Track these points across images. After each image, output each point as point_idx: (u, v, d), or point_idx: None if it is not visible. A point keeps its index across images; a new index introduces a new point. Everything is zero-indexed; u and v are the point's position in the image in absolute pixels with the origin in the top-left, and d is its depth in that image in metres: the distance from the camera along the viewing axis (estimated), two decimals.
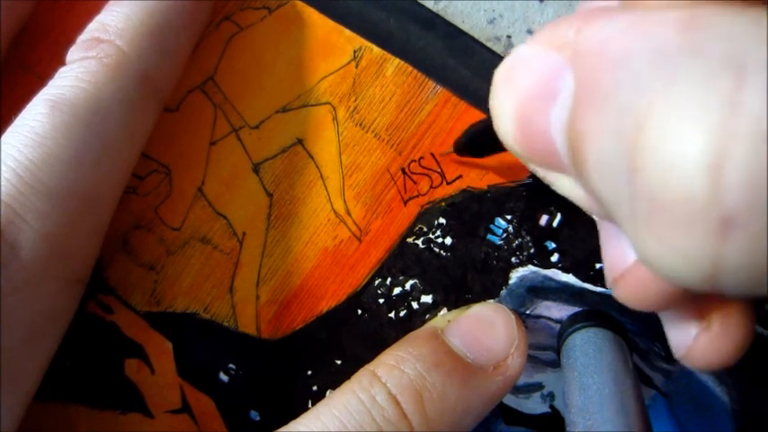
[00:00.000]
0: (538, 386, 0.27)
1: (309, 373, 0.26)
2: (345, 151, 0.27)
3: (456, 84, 0.27)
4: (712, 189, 0.10)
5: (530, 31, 0.27)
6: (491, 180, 0.26)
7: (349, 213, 0.27)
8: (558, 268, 0.26)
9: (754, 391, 0.25)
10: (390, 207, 0.27)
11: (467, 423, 0.23)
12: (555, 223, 0.26)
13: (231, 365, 0.27)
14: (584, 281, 0.25)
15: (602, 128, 0.13)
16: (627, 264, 0.18)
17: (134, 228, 0.27)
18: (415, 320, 0.26)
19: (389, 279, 0.26)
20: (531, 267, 0.26)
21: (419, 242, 0.26)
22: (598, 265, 0.25)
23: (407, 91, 0.27)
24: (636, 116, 0.12)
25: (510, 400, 0.27)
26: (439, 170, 0.27)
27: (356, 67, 0.27)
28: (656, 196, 0.11)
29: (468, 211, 0.26)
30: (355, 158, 0.27)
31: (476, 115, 0.26)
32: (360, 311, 0.26)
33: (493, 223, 0.26)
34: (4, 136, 0.23)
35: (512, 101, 0.16)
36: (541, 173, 0.17)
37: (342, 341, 0.26)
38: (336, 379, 0.26)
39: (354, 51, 0.27)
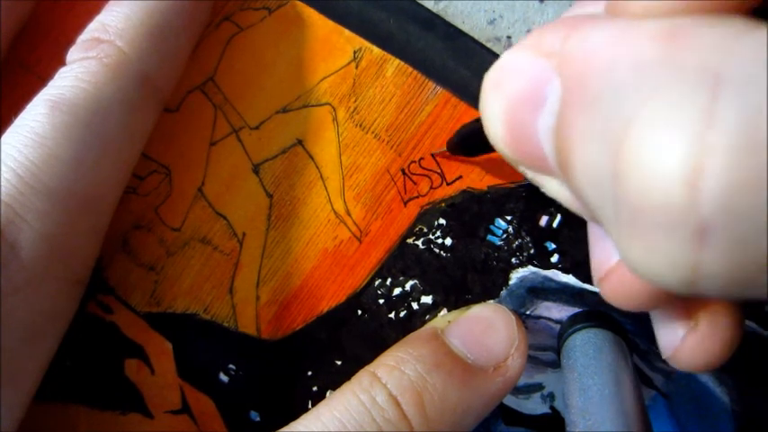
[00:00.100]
0: (538, 387, 0.27)
1: (309, 373, 0.26)
2: (345, 152, 0.27)
3: (456, 84, 0.27)
4: (689, 199, 0.11)
5: (530, 32, 0.27)
6: (491, 181, 0.26)
7: (349, 214, 0.27)
8: (558, 269, 0.26)
9: (754, 391, 0.25)
10: (390, 208, 0.27)
11: (467, 424, 0.23)
12: (555, 224, 0.26)
13: (231, 366, 0.27)
14: (584, 281, 0.25)
15: (587, 135, 0.13)
16: (612, 263, 0.18)
17: (134, 228, 0.27)
18: (415, 321, 0.26)
19: (389, 280, 0.26)
20: (531, 268, 0.26)
21: (419, 243, 0.26)
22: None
23: (407, 92, 0.27)
24: (618, 126, 0.12)
25: (510, 401, 0.27)
26: (439, 171, 0.27)
27: (356, 67, 0.27)
28: (637, 204, 0.12)
29: (468, 212, 0.26)
30: (355, 159, 0.27)
31: (475, 116, 0.26)
32: (360, 312, 0.26)
33: (493, 224, 0.26)
34: (4, 136, 0.23)
35: (501, 105, 0.16)
36: (530, 175, 0.17)
37: (342, 342, 0.26)
38: (336, 379, 0.26)
39: (354, 52, 0.27)
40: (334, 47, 0.27)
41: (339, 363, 0.26)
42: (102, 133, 0.23)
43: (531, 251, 0.26)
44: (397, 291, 0.26)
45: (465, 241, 0.26)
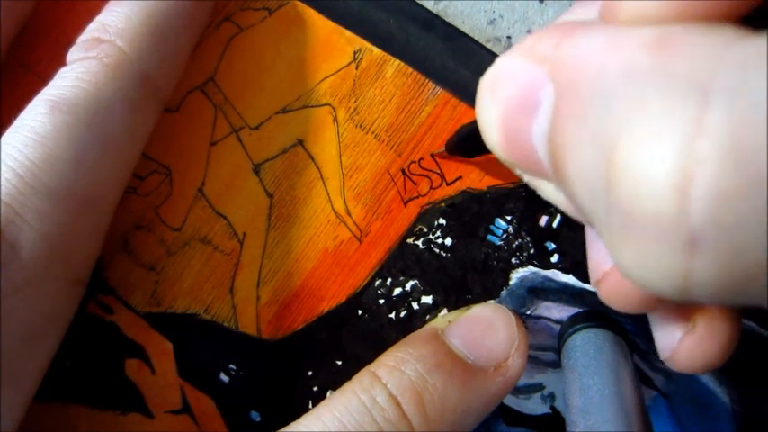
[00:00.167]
0: (538, 387, 0.27)
1: (310, 373, 0.26)
2: (345, 152, 0.27)
3: (456, 85, 0.27)
4: (679, 208, 0.11)
5: (530, 32, 0.27)
6: (491, 181, 0.26)
7: (349, 214, 0.27)
8: (558, 269, 0.26)
9: (754, 391, 0.25)
10: (390, 208, 0.27)
11: (467, 424, 0.23)
12: (555, 224, 0.26)
13: (232, 366, 0.27)
14: (584, 281, 0.25)
15: (579, 142, 0.13)
16: (608, 266, 0.18)
17: (134, 228, 0.27)
18: (415, 321, 0.26)
19: (390, 280, 0.26)
20: (531, 268, 0.26)
21: (419, 243, 0.26)
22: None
23: (407, 92, 0.27)
24: (609, 134, 0.12)
25: (510, 401, 0.27)
26: (439, 171, 0.27)
27: (356, 68, 0.27)
28: (628, 212, 0.12)
29: (468, 212, 0.26)
30: (355, 159, 0.27)
31: (474, 117, 0.26)
32: (360, 312, 0.26)
33: (493, 224, 0.26)
34: (5, 136, 0.23)
35: (496, 110, 0.16)
36: (526, 178, 0.17)
37: (342, 342, 0.26)
38: (337, 379, 0.26)
39: (354, 53, 0.27)
40: (334, 47, 0.27)
41: (339, 363, 0.26)
42: (103, 133, 0.23)
43: (531, 251, 0.26)
44: (397, 291, 0.26)
45: (465, 241, 0.26)
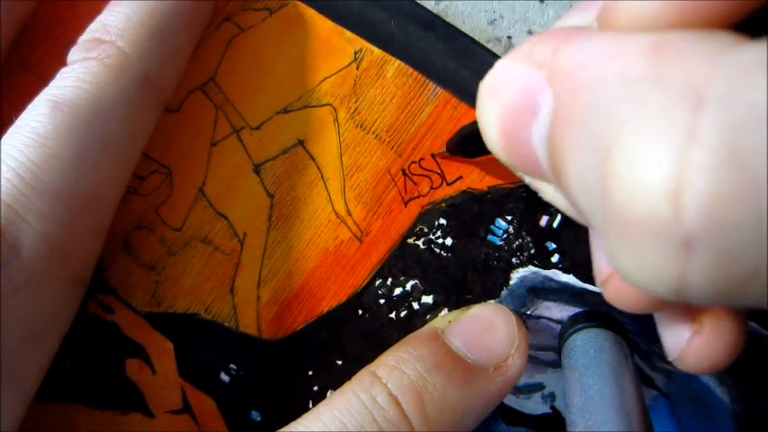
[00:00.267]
0: (538, 386, 0.27)
1: (310, 373, 0.26)
2: (346, 152, 0.27)
3: (456, 85, 0.27)
4: (673, 213, 0.11)
5: (530, 32, 0.28)
6: (491, 181, 0.26)
7: (350, 214, 0.27)
8: (559, 269, 0.26)
9: (754, 391, 0.25)
10: (391, 208, 0.27)
11: (467, 423, 0.23)
12: (555, 224, 0.26)
13: (232, 366, 0.27)
14: (584, 281, 0.25)
15: (577, 146, 0.13)
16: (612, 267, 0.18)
17: (135, 228, 0.27)
18: (415, 321, 0.26)
19: (390, 279, 0.26)
20: (531, 268, 0.26)
21: (420, 243, 0.26)
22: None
23: (408, 92, 0.27)
24: (606, 139, 0.12)
25: (510, 401, 0.27)
26: (439, 171, 0.27)
27: (357, 68, 0.27)
28: (624, 216, 0.12)
29: (468, 212, 0.26)
30: (356, 159, 0.27)
31: (475, 117, 0.26)
32: (360, 312, 0.27)
33: (493, 224, 0.26)
34: (5, 136, 0.23)
35: (496, 113, 0.17)
36: (528, 179, 0.17)
37: (342, 341, 0.26)
38: (337, 379, 0.26)
39: (355, 53, 0.27)
40: (334, 47, 0.27)
41: (340, 362, 0.26)
42: (104, 133, 0.23)
43: (532, 251, 0.26)
44: (397, 291, 0.26)
45: (465, 241, 0.26)
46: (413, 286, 0.26)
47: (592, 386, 0.22)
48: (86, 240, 0.24)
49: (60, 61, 0.24)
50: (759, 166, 0.10)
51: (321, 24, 0.28)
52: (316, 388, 0.26)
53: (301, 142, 0.27)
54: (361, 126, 0.27)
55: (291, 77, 0.28)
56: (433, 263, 0.26)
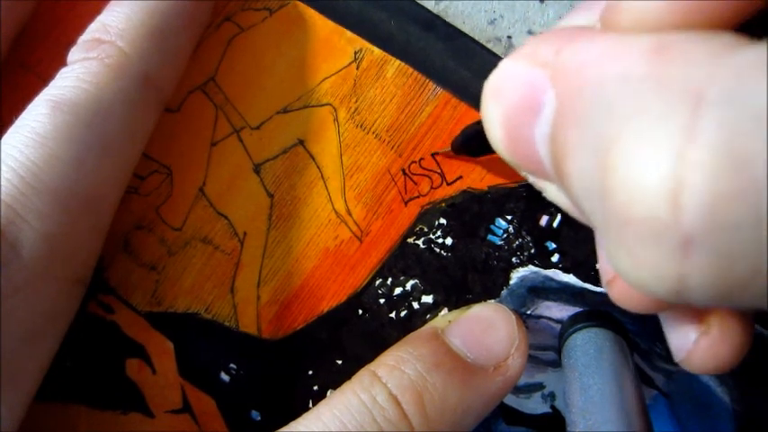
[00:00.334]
0: (539, 386, 0.27)
1: (310, 373, 0.26)
2: (346, 152, 0.27)
3: (456, 85, 0.27)
4: (672, 213, 0.11)
5: (530, 32, 0.28)
6: (491, 181, 0.26)
7: (350, 214, 0.27)
8: (559, 268, 0.26)
9: (754, 391, 0.25)
10: (391, 208, 0.27)
11: (467, 423, 0.23)
12: (555, 224, 0.26)
13: (232, 365, 0.27)
14: (584, 281, 0.25)
15: (579, 146, 0.14)
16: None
17: (135, 228, 0.27)
18: (415, 321, 0.26)
19: (390, 279, 0.26)
20: (531, 267, 0.26)
21: (420, 242, 0.26)
22: (598, 266, 0.25)
23: (408, 92, 0.27)
24: (606, 139, 0.12)
25: (511, 400, 0.27)
26: (439, 171, 0.27)
27: (357, 68, 0.27)
28: (623, 216, 0.12)
29: (468, 212, 0.26)
30: (356, 159, 0.27)
31: (476, 116, 0.26)
32: (360, 311, 0.27)
33: (493, 224, 0.26)
34: (5, 136, 0.23)
35: (499, 112, 0.17)
36: (531, 179, 0.18)
37: (342, 341, 0.26)
38: (337, 379, 0.26)
39: (355, 53, 0.27)
40: (334, 47, 0.27)
41: (340, 362, 0.26)
42: (104, 133, 0.23)
43: (532, 251, 0.26)
44: (397, 290, 0.26)
45: (465, 241, 0.26)
46: (413, 286, 0.26)
47: (592, 386, 0.22)
48: (86, 240, 0.24)
49: (60, 61, 0.24)
50: (759, 166, 0.10)
51: (321, 24, 0.28)
52: (316, 387, 0.26)
53: (301, 142, 0.27)
54: (361, 126, 0.27)
55: (291, 77, 0.28)
56: (434, 262, 0.26)
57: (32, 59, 0.28)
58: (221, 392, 0.27)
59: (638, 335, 0.26)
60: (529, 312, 0.26)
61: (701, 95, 0.11)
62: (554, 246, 0.26)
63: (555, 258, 0.26)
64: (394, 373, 0.22)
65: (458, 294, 0.26)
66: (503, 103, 0.16)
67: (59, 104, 0.23)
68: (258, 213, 0.27)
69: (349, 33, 0.28)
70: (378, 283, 0.26)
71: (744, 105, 0.10)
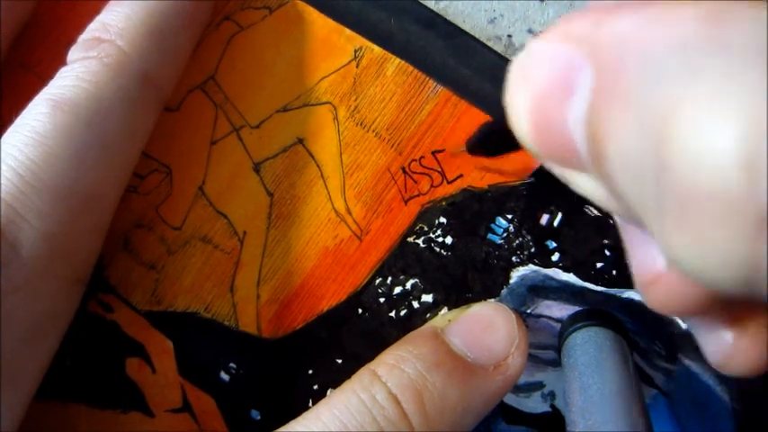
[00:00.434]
0: (538, 385, 0.27)
1: (310, 372, 0.26)
2: (346, 151, 0.27)
3: (456, 83, 0.27)
4: (747, 185, 0.10)
5: (530, 31, 0.27)
6: (492, 179, 0.26)
7: (350, 213, 0.27)
8: (559, 267, 0.26)
9: (754, 390, 0.25)
10: (391, 206, 0.27)
11: (467, 422, 0.23)
12: (556, 222, 0.26)
13: (232, 364, 0.27)
14: (584, 280, 0.25)
15: (624, 123, 0.12)
16: (658, 268, 0.17)
17: (135, 227, 0.27)
18: (415, 320, 0.26)
19: (390, 278, 0.26)
20: (531, 266, 0.26)
21: (420, 241, 0.26)
22: (599, 265, 0.25)
23: (408, 90, 0.27)
24: (662, 110, 0.11)
25: (510, 400, 0.27)
26: (439, 169, 0.27)
27: (357, 66, 0.27)
28: (686, 193, 0.11)
29: (468, 211, 0.26)
30: (356, 158, 0.27)
31: (476, 114, 0.26)
32: (360, 311, 0.26)
33: (493, 222, 0.26)
34: (5, 135, 0.23)
35: (527, 96, 0.15)
36: (559, 171, 0.16)
37: (342, 340, 0.26)
38: (337, 378, 0.26)
39: (355, 51, 0.27)
40: (334, 46, 0.27)
41: (339, 361, 0.26)
42: (103, 132, 0.23)
43: (532, 250, 0.26)
44: (397, 289, 0.26)
45: (465, 240, 0.26)
46: (413, 285, 0.26)
47: (591, 385, 0.22)
48: (86, 239, 0.24)
49: (60, 61, 0.24)
50: None
51: (321, 23, 0.28)
52: (315, 387, 0.26)
53: (301, 141, 0.27)
54: (361, 124, 0.27)
55: (291, 76, 0.27)
56: (433, 261, 0.26)
57: (32, 59, 0.28)
58: (221, 392, 0.27)
59: (637, 334, 0.26)
60: (529, 311, 0.26)
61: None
62: (554, 245, 0.26)
63: (555, 257, 0.26)
64: (394, 373, 0.22)
65: (458, 293, 0.26)
66: (531, 88, 0.15)
67: (59, 104, 0.23)
68: (258, 212, 0.27)
69: (349, 32, 0.27)
70: (377, 282, 0.26)
71: None
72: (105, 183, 0.24)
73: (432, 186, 0.27)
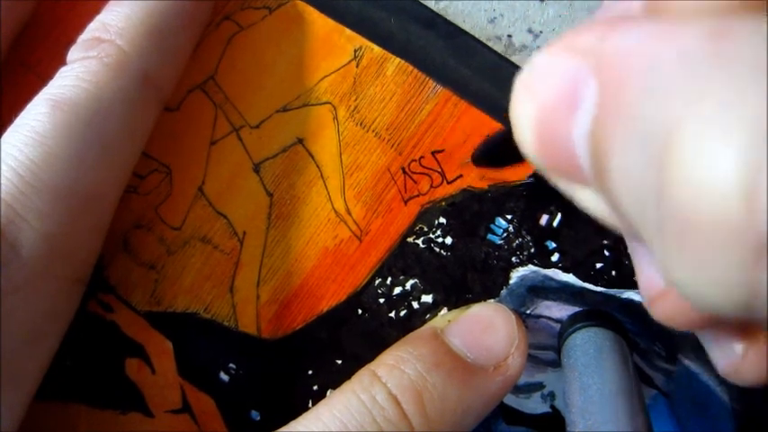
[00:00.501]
0: (538, 386, 0.27)
1: (310, 372, 0.26)
2: (346, 151, 0.27)
3: (456, 83, 0.27)
4: (746, 212, 0.10)
5: (530, 31, 0.27)
6: (492, 180, 0.26)
7: (349, 213, 0.27)
8: (559, 268, 0.26)
9: (754, 390, 0.25)
10: (391, 206, 0.27)
11: (467, 423, 0.23)
12: (555, 223, 0.26)
13: (232, 365, 0.27)
14: (584, 280, 0.25)
15: (627, 140, 0.12)
16: (665, 283, 0.16)
17: (135, 227, 0.27)
18: (415, 320, 0.26)
19: (390, 279, 0.26)
20: (531, 267, 0.26)
21: (419, 242, 0.26)
22: (598, 265, 0.25)
23: (408, 90, 0.27)
24: (664, 130, 0.11)
25: (510, 400, 0.27)
26: (439, 170, 0.27)
27: (357, 66, 0.27)
28: (686, 217, 0.10)
29: (468, 211, 0.26)
30: (356, 158, 0.27)
31: (476, 114, 0.26)
32: (360, 311, 0.26)
33: (493, 223, 0.26)
34: (5, 135, 0.23)
35: (532, 109, 0.15)
36: (563, 185, 0.16)
37: (342, 341, 0.26)
38: (337, 378, 0.26)
39: (355, 51, 0.27)
40: (334, 46, 0.27)
41: (339, 362, 0.26)
42: (103, 132, 0.23)
43: (532, 250, 0.26)
44: (397, 290, 0.26)
45: (465, 240, 0.26)
46: (412, 285, 0.26)
47: (591, 385, 0.22)
48: (86, 239, 0.24)
49: (60, 61, 0.24)
50: None
51: (321, 22, 0.28)
52: (315, 387, 0.26)
53: (301, 141, 0.27)
54: (360, 124, 0.27)
55: (291, 76, 0.27)
56: (433, 262, 0.26)
57: (32, 59, 0.28)
58: (221, 392, 0.27)
59: (637, 335, 0.26)
60: (528, 312, 0.26)
61: None
62: (554, 245, 0.26)
63: (555, 258, 0.26)
64: (394, 373, 0.22)
65: (457, 294, 0.26)
66: (536, 100, 0.15)
67: (59, 103, 0.23)
68: (257, 212, 0.27)
69: (349, 31, 0.27)
70: (377, 282, 0.26)
71: None
72: (105, 183, 0.24)
73: (431, 186, 0.27)
